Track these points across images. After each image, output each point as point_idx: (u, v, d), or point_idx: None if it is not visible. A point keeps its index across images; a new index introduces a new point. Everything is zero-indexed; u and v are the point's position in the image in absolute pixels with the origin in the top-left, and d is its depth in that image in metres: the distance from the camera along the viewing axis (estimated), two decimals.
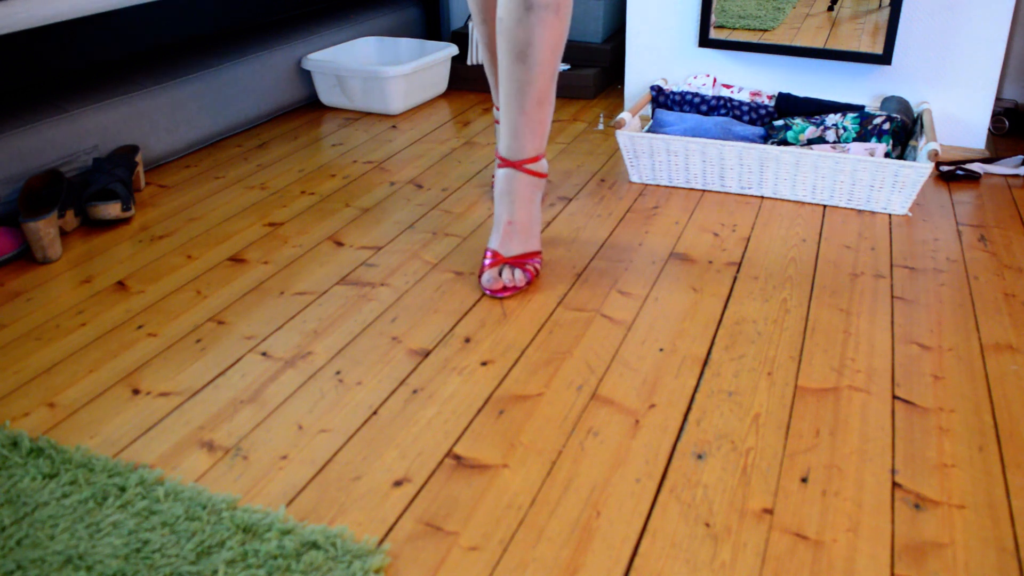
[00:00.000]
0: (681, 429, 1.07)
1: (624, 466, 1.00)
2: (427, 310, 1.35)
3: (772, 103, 1.94)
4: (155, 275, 1.47)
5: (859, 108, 1.87)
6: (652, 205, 1.72)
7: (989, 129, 2.00)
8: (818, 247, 1.53)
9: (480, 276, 1.41)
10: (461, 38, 2.61)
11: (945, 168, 1.83)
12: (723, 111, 1.91)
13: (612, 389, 1.14)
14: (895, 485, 0.97)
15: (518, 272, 1.39)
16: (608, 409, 1.10)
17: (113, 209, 1.63)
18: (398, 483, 0.98)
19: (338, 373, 1.19)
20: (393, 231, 1.62)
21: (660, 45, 2.15)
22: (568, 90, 2.44)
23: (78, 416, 1.11)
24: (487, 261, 1.41)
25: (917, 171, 1.60)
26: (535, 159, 1.40)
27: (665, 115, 1.88)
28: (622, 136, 1.77)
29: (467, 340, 1.26)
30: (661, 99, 1.97)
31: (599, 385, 1.15)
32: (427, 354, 1.23)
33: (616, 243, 1.55)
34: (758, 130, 1.84)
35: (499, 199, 1.42)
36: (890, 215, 1.66)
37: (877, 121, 1.75)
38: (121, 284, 1.45)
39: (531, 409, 1.11)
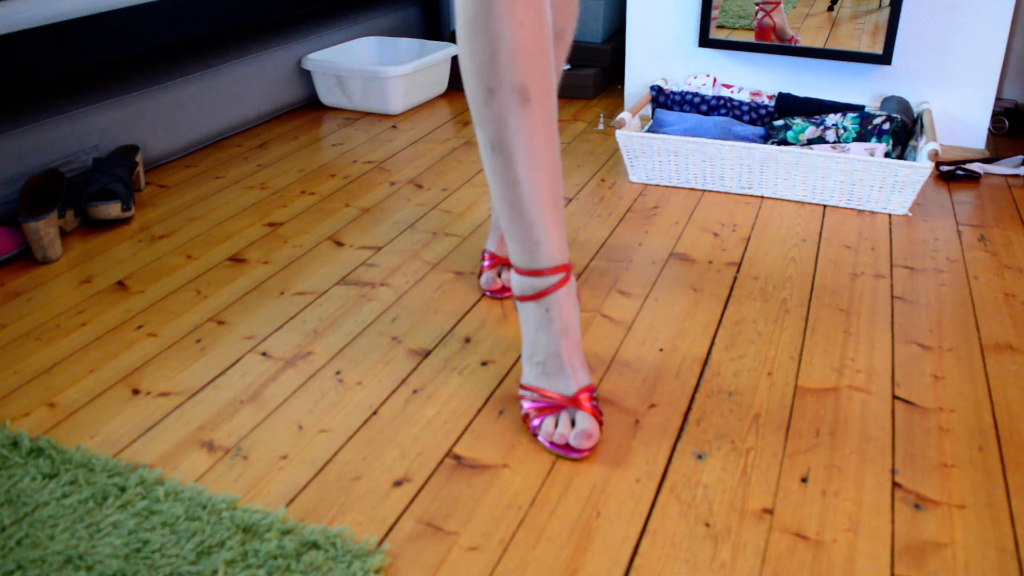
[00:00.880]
0: (681, 429, 1.06)
1: (624, 466, 1.00)
2: (427, 310, 1.35)
3: (772, 103, 1.94)
4: (155, 275, 1.47)
5: (859, 108, 1.87)
6: (652, 205, 1.72)
7: (989, 129, 2.00)
8: (818, 247, 1.53)
9: (479, 277, 1.41)
10: None
11: (945, 168, 1.83)
12: (723, 111, 1.91)
13: (612, 389, 1.14)
14: (895, 485, 0.97)
15: None
16: (608, 409, 1.10)
17: (113, 209, 1.63)
18: (398, 483, 0.98)
19: (338, 373, 1.19)
20: (393, 231, 1.62)
21: (660, 45, 2.15)
22: (568, 90, 2.44)
23: (78, 416, 1.11)
24: (485, 263, 1.40)
25: (917, 171, 1.60)
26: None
27: (665, 115, 1.88)
28: (622, 136, 1.77)
29: (467, 340, 1.26)
30: (661, 99, 1.96)
31: (599, 385, 1.15)
32: (427, 354, 1.23)
33: (616, 243, 1.55)
34: (758, 130, 1.84)
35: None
36: (890, 215, 1.66)
37: (877, 121, 1.75)
38: (121, 284, 1.45)
39: None
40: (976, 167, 1.83)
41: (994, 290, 1.38)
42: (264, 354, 1.24)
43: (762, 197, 1.74)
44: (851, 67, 2.00)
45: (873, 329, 1.28)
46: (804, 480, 0.98)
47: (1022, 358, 1.21)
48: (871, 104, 2.00)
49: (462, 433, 1.07)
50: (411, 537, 0.90)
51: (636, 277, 1.43)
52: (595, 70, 2.44)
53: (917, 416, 1.09)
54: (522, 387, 1.08)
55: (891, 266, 1.46)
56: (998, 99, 2.13)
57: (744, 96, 2.05)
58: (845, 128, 1.77)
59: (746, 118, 1.90)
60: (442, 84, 2.47)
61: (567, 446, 1.02)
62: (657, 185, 1.81)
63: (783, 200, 1.73)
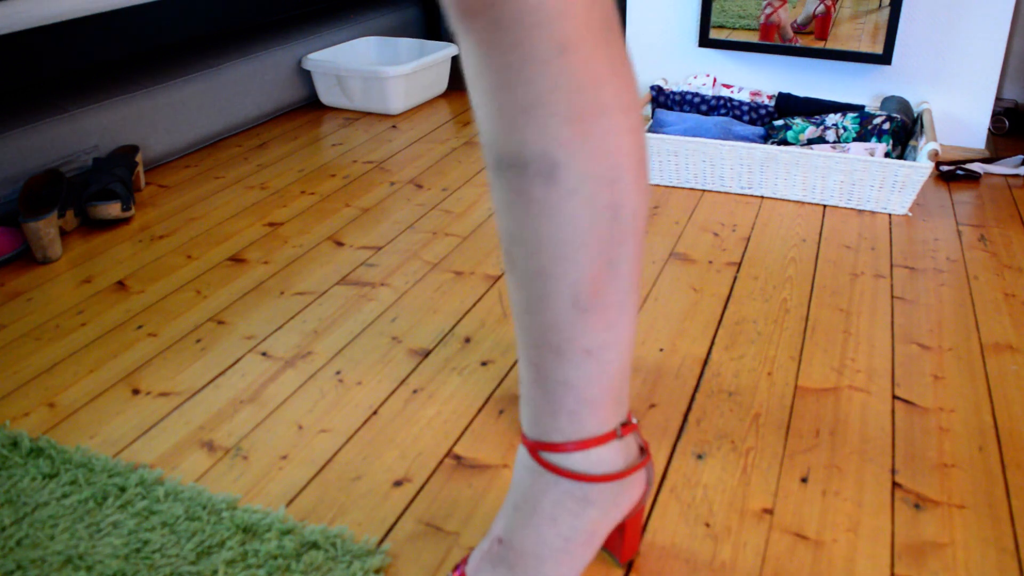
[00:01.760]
0: (681, 429, 1.06)
1: None
2: (427, 310, 1.35)
3: (772, 103, 1.94)
4: (155, 275, 1.47)
5: (859, 108, 1.87)
6: (652, 205, 1.71)
7: (989, 129, 2.00)
8: (818, 247, 1.53)
9: None
10: None
11: (945, 168, 1.83)
12: (723, 111, 1.91)
13: None
14: (895, 485, 0.97)
15: None
16: None
17: (113, 209, 1.63)
18: (398, 483, 0.98)
19: (338, 373, 1.19)
20: (393, 231, 1.62)
21: (660, 45, 2.15)
22: None
23: (78, 416, 1.11)
24: None
25: (917, 171, 1.60)
26: (561, 445, 0.74)
27: (665, 115, 1.88)
28: None
29: (467, 340, 1.26)
30: (661, 99, 1.96)
31: None
32: (427, 354, 1.23)
33: None
34: (758, 130, 1.84)
35: (508, 494, 0.79)
36: (890, 215, 1.66)
37: (877, 121, 1.75)
38: (121, 284, 1.45)
39: None
40: (976, 167, 1.83)
41: (994, 290, 1.38)
42: (264, 354, 1.24)
43: (762, 197, 1.74)
44: (851, 67, 2.00)
45: (873, 329, 1.28)
46: (804, 480, 0.98)
47: (1022, 358, 1.21)
48: (871, 104, 2.00)
49: (462, 433, 1.07)
50: (411, 537, 0.90)
51: None
52: None
53: (917, 416, 1.09)
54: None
55: (891, 266, 1.46)
56: (998, 99, 2.13)
57: (744, 96, 2.05)
58: (845, 128, 1.77)
59: (746, 118, 1.90)
60: (442, 84, 2.47)
61: None
62: (657, 185, 1.81)
63: (783, 200, 1.73)
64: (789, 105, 1.91)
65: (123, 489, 0.96)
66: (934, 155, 1.60)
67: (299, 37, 2.36)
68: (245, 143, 2.12)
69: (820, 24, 1.95)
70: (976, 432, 1.06)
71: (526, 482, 0.76)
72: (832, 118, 1.79)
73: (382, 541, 0.90)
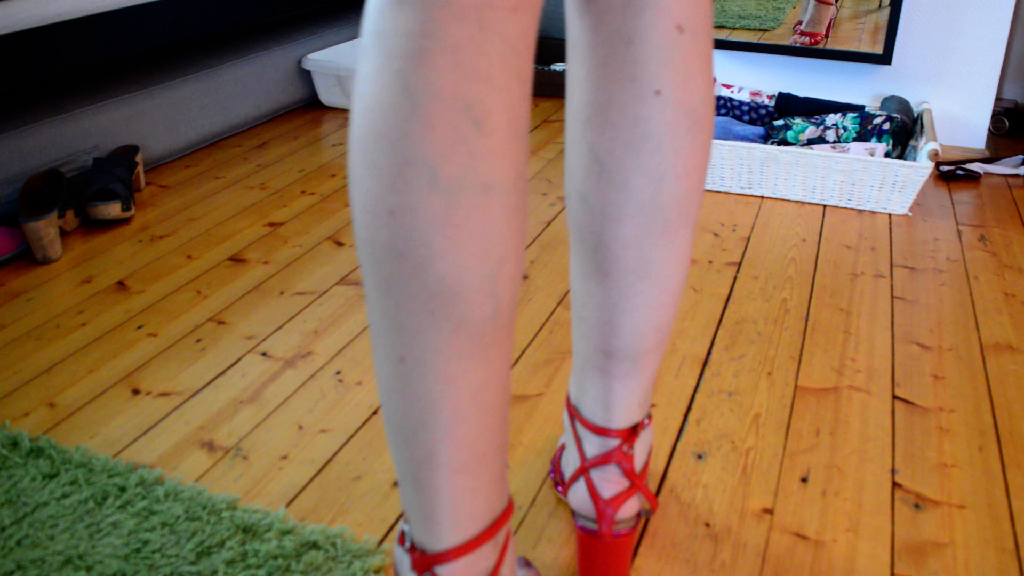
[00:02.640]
0: (681, 429, 1.06)
1: None
2: None
3: (772, 103, 1.94)
4: (155, 275, 1.47)
5: (859, 108, 1.87)
6: None
7: (989, 129, 2.00)
8: (818, 247, 1.53)
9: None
10: None
11: (945, 168, 1.83)
12: (723, 111, 1.91)
13: None
14: (895, 485, 0.97)
15: None
16: None
17: (113, 209, 1.63)
18: (398, 483, 0.98)
19: (338, 373, 1.19)
20: None
21: None
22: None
23: (78, 416, 1.11)
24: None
25: (917, 171, 1.60)
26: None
27: None
28: None
29: None
30: None
31: None
32: None
33: None
34: (758, 130, 1.84)
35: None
36: (890, 215, 1.66)
37: (877, 121, 1.75)
38: (121, 284, 1.45)
39: (531, 409, 1.11)
40: (976, 167, 1.83)
41: (994, 290, 1.38)
42: (264, 354, 1.24)
43: (762, 197, 1.74)
44: (851, 67, 2.00)
45: (873, 329, 1.28)
46: (804, 480, 0.98)
47: (1022, 358, 1.21)
48: (871, 104, 2.00)
49: None
50: None
51: None
52: None
53: (917, 416, 1.09)
54: None
55: (891, 266, 1.46)
56: (998, 99, 2.13)
57: (744, 96, 2.05)
58: (845, 128, 1.77)
59: (746, 118, 1.90)
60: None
61: None
62: None
63: (783, 200, 1.73)
64: (789, 105, 1.91)
65: (123, 489, 0.96)
66: (934, 155, 1.60)
67: (299, 37, 2.36)
68: (245, 143, 2.12)
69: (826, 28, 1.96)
70: (976, 432, 1.06)
71: None
72: (832, 118, 1.79)
73: (382, 541, 0.90)
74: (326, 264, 1.50)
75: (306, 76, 2.37)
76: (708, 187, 1.77)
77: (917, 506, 0.94)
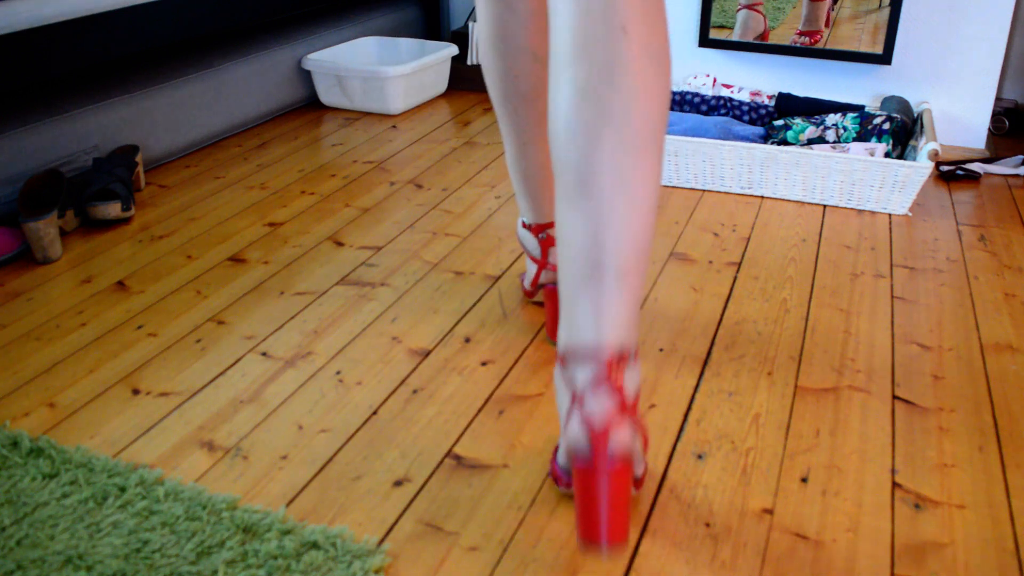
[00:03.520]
0: (681, 429, 1.06)
1: None
2: (427, 310, 1.35)
3: (772, 103, 1.94)
4: (155, 275, 1.47)
5: (859, 108, 1.87)
6: None
7: (989, 129, 2.00)
8: (818, 247, 1.53)
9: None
10: (461, 38, 2.61)
11: (945, 168, 1.83)
12: (723, 111, 1.91)
13: None
14: (895, 485, 0.97)
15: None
16: None
17: (113, 209, 1.63)
18: (398, 483, 0.98)
19: (338, 373, 1.19)
20: (393, 231, 1.62)
21: None
22: None
23: (78, 416, 1.11)
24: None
25: (917, 171, 1.60)
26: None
27: None
28: None
29: (467, 340, 1.26)
30: None
31: None
32: (427, 354, 1.23)
33: None
34: (758, 130, 1.84)
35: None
36: (890, 215, 1.66)
37: (877, 121, 1.75)
38: (121, 284, 1.45)
39: (531, 409, 1.11)
40: (976, 167, 1.83)
41: (994, 290, 1.38)
42: (264, 354, 1.24)
43: (762, 197, 1.74)
44: (851, 67, 2.00)
45: (873, 329, 1.28)
46: (804, 480, 0.98)
47: (1022, 358, 1.21)
48: (871, 104, 2.00)
49: (462, 433, 1.07)
50: (411, 537, 0.90)
51: None
52: None
53: (917, 416, 1.09)
54: None
55: (891, 266, 1.46)
56: (998, 99, 2.13)
57: (744, 96, 2.04)
58: (845, 128, 1.77)
59: (746, 118, 1.90)
60: (442, 84, 2.47)
61: None
62: None
63: (783, 200, 1.73)
64: (789, 105, 1.91)
65: (123, 489, 0.96)
66: (934, 155, 1.60)
67: (299, 37, 2.36)
68: (245, 143, 2.12)
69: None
70: (976, 432, 1.06)
71: None
72: (832, 118, 1.79)
73: (382, 541, 0.90)
74: (326, 264, 1.50)
75: (306, 76, 2.37)
76: (708, 187, 1.77)
77: (917, 506, 0.94)
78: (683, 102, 1.94)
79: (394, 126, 2.23)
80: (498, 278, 1.44)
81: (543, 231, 1.24)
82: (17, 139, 1.65)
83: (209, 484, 0.99)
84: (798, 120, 1.82)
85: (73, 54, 1.75)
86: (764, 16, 1.99)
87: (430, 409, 1.11)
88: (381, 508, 0.95)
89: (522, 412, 1.10)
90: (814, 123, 1.80)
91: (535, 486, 0.97)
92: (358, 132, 2.18)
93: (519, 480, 0.98)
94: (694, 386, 1.15)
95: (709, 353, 1.22)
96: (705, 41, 2.06)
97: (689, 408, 1.10)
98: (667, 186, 1.80)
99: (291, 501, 0.96)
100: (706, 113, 1.93)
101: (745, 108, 1.90)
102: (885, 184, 1.64)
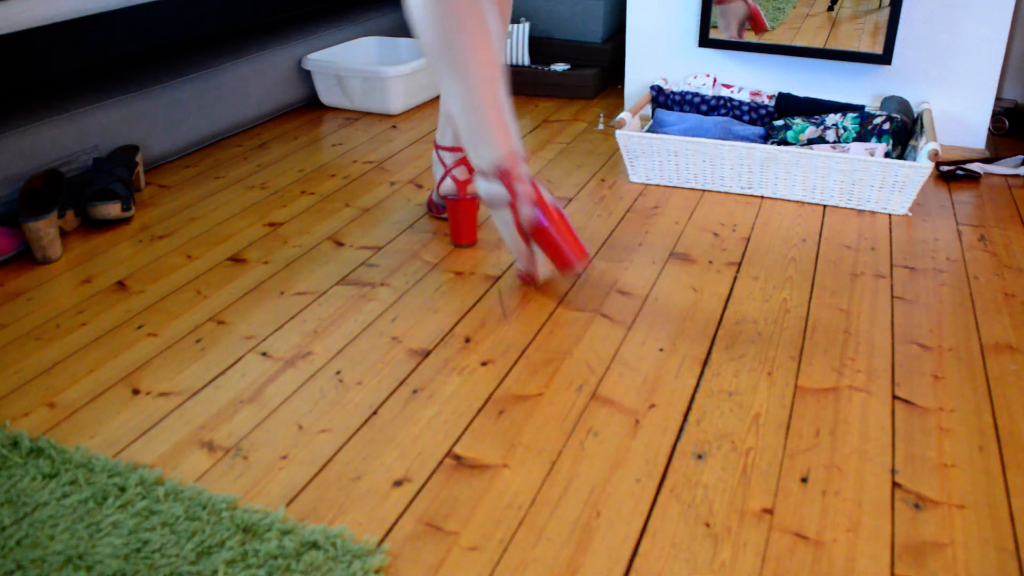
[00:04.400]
0: (681, 429, 1.07)
1: (624, 466, 1.00)
2: (427, 310, 1.35)
3: (772, 103, 1.94)
4: (155, 275, 1.47)
5: (859, 108, 1.87)
6: (652, 205, 1.72)
7: (989, 129, 2.00)
8: (818, 247, 1.53)
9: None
10: None
11: (945, 168, 1.83)
12: (723, 111, 1.91)
13: (612, 389, 1.14)
14: (895, 485, 0.97)
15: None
16: (608, 409, 1.10)
17: (113, 209, 1.63)
18: (398, 483, 0.98)
19: (338, 373, 1.19)
20: (393, 231, 1.62)
21: (660, 45, 2.15)
22: (568, 90, 2.44)
23: (78, 416, 1.11)
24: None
25: (917, 171, 1.60)
26: None
27: (665, 115, 1.88)
28: (622, 136, 1.77)
29: (467, 340, 1.26)
30: (661, 99, 1.97)
31: (599, 385, 1.15)
32: (427, 354, 1.23)
33: (616, 243, 1.55)
34: (758, 130, 1.84)
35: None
36: (890, 215, 1.66)
37: (877, 121, 1.75)
38: (121, 284, 1.45)
39: (531, 409, 1.11)
40: (976, 167, 1.83)
41: (994, 290, 1.38)
42: (264, 354, 1.24)
43: (762, 197, 1.74)
44: (851, 67, 2.00)
45: (873, 329, 1.28)
46: (804, 480, 0.98)
47: (1022, 358, 1.21)
48: (871, 104, 2.00)
49: (462, 433, 1.07)
50: (411, 537, 0.91)
51: (636, 277, 1.43)
52: (595, 70, 2.44)
53: (917, 416, 1.09)
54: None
55: (891, 266, 1.46)
56: (998, 99, 2.13)
57: (744, 96, 2.04)
58: (845, 128, 1.77)
59: (746, 118, 1.90)
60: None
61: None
62: (657, 185, 1.81)
63: (783, 200, 1.73)
64: (789, 105, 1.91)
65: (123, 489, 0.96)
66: (934, 155, 1.60)
67: (299, 37, 2.36)
68: (245, 143, 2.12)
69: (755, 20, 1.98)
70: (976, 432, 1.06)
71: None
72: (832, 118, 1.79)
73: (382, 541, 0.90)
74: (326, 264, 1.50)
75: (306, 76, 2.37)
76: (708, 187, 1.77)
77: (917, 506, 0.94)
78: (683, 102, 1.94)
79: (394, 126, 2.23)
80: (498, 278, 1.44)
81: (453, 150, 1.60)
82: (17, 139, 1.65)
83: (209, 484, 0.99)
84: (798, 120, 1.82)
85: (73, 54, 1.75)
86: None
87: (430, 409, 1.11)
88: (381, 508, 0.95)
89: (522, 412, 1.10)
90: (814, 123, 1.80)
91: (535, 486, 0.97)
92: (358, 132, 2.18)
93: (519, 480, 0.98)
94: (694, 386, 1.15)
95: (709, 353, 1.22)
96: (705, 41, 2.06)
97: (689, 408, 1.10)
98: (667, 186, 1.80)
99: (291, 501, 0.96)
100: (706, 113, 1.93)
101: (745, 108, 1.90)
102: (885, 184, 1.64)
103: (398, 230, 1.63)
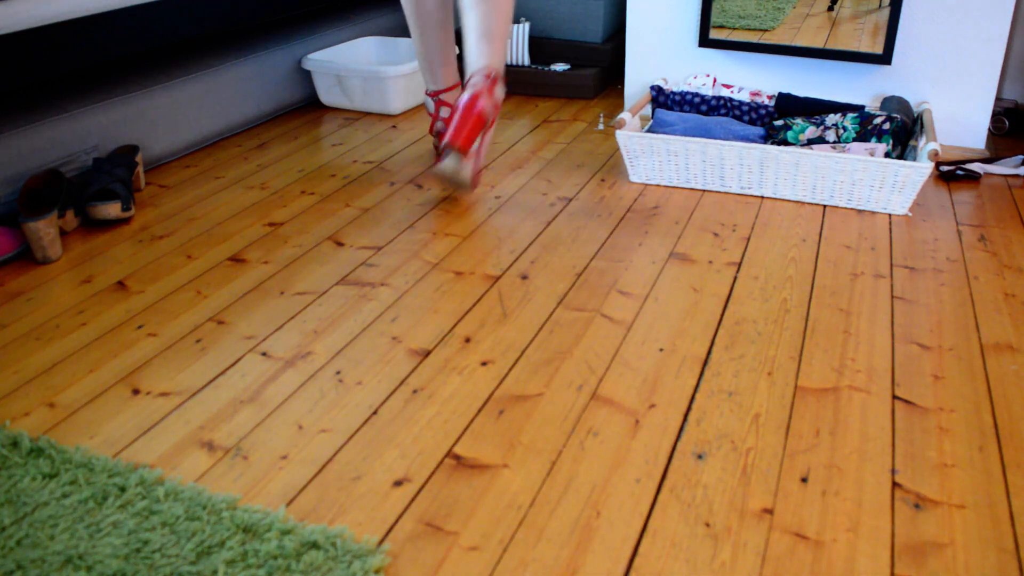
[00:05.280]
0: (681, 429, 1.07)
1: (624, 466, 1.00)
2: (427, 310, 1.35)
3: (772, 103, 1.94)
4: (155, 275, 1.47)
5: (859, 108, 1.87)
6: (652, 205, 1.72)
7: (989, 129, 2.00)
8: (818, 247, 1.53)
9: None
10: (461, 37, 2.61)
11: (945, 168, 1.83)
12: (723, 111, 1.91)
13: (612, 389, 1.14)
14: (895, 485, 0.97)
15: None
16: (608, 409, 1.10)
17: (113, 209, 1.63)
18: (398, 483, 0.98)
19: (338, 373, 1.19)
20: (393, 231, 1.62)
21: (660, 45, 2.15)
22: (568, 90, 2.44)
23: (78, 416, 1.11)
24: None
25: (917, 171, 1.60)
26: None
27: (665, 115, 1.88)
28: (622, 136, 1.77)
29: (467, 340, 1.26)
30: (661, 99, 1.96)
31: (599, 385, 1.15)
32: (427, 354, 1.23)
33: (616, 243, 1.56)
34: (758, 130, 1.84)
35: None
36: (890, 215, 1.66)
37: (877, 121, 1.75)
38: (121, 284, 1.45)
39: (531, 409, 1.11)
40: (976, 167, 1.83)
41: (994, 290, 1.38)
42: (264, 354, 1.24)
43: (762, 197, 1.74)
44: (851, 67, 2.00)
45: (873, 329, 1.28)
46: (804, 480, 0.98)
47: (1022, 358, 1.21)
48: (871, 104, 2.00)
49: (462, 433, 1.07)
50: (411, 537, 0.91)
51: (636, 277, 1.43)
52: (595, 70, 2.44)
53: (917, 416, 1.09)
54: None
55: (891, 266, 1.46)
56: (998, 99, 2.13)
57: (744, 96, 2.04)
58: (845, 128, 1.77)
59: (746, 118, 1.90)
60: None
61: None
62: (657, 185, 1.81)
63: (783, 200, 1.73)
64: (789, 105, 1.91)
65: (123, 489, 0.96)
66: (934, 155, 1.60)
67: (299, 37, 2.36)
68: (245, 143, 2.12)
69: None
70: (976, 432, 1.06)
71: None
72: (832, 118, 1.79)
73: (382, 541, 0.90)
74: (326, 264, 1.50)
75: (306, 76, 2.37)
76: (708, 187, 1.77)
77: (917, 506, 0.94)
78: (683, 102, 1.94)
79: (394, 126, 2.23)
80: (498, 278, 1.44)
81: (437, 95, 1.86)
82: (17, 139, 1.65)
83: (209, 484, 0.99)
84: (798, 120, 1.82)
85: (73, 54, 1.75)
86: None
87: (430, 409, 1.11)
88: (381, 508, 0.95)
89: (522, 412, 1.10)
90: (814, 123, 1.80)
91: (535, 486, 0.97)
92: (358, 132, 2.18)
93: (519, 480, 0.98)
94: (694, 386, 1.15)
95: (709, 353, 1.22)
96: (705, 41, 2.06)
97: (689, 408, 1.10)
98: (667, 186, 1.80)
99: (291, 501, 0.96)
100: (706, 113, 1.93)
101: (745, 108, 1.90)
102: (885, 184, 1.64)
103: (398, 230, 1.63)
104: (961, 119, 1.94)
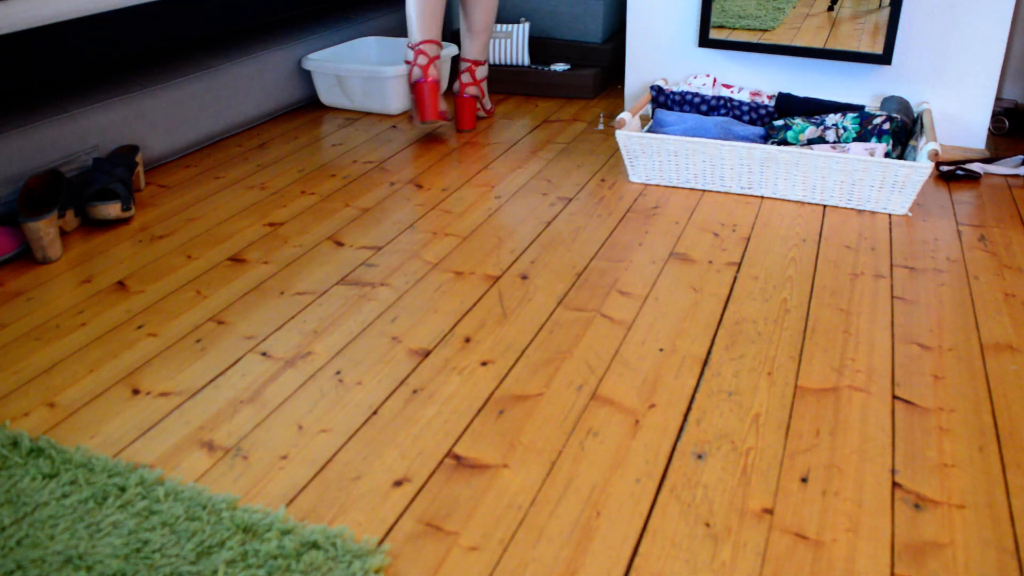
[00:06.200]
0: (681, 429, 1.07)
1: (624, 466, 1.00)
2: (427, 310, 1.35)
3: (772, 103, 1.94)
4: (155, 275, 1.47)
5: (859, 108, 1.87)
6: (652, 205, 1.72)
7: (989, 129, 2.00)
8: (818, 247, 1.53)
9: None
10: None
11: (945, 168, 1.83)
12: (723, 111, 1.91)
13: (612, 389, 1.14)
14: (895, 485, 0.97)
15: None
16: (608, 409, 1.10)
17: (113, 209, 1.63)
18: (398, 483, 0.98)
19: (338, 373, 1.19)
20: (393, 231, 1.62)
21: (660, 45, 2.15)
22: (568, 90, 2.44)
23: (78, 416, 1.11)
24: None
25: (917, 171, 1.60)
26: None
27: (665, 115, 1.88)
28: (622, 136, 1.77)
29: (467, 340, 1.26)
30: (661, 99, 1.96)
31: (599, 385, 1.15)
32: (427, 354, 1.23)
33: (616, 243, 1.56)
34: (758, 130, 1.84)
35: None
36: (890, 215, 1.66)
37: (877, 121, 1.75)
38: (121, 284, 1.45)
39: (531, 409, 1.11)
40: (976, 167, 1.83)
41: (994, 290, 1.38)
42: (264, 354, 1.24)
43: (762, 197, 1.74)
44: (851, 67, 2.00)
45: (873, 329, 1.28)
46: (804, 480, 0.98)
47: (1022, 358, 1.21)
48: (871, 104, 2.00)
49: (462, 433, 1.07)
50: (411, 537, 0.91)
51: (636, 277, 1.43)
52: (595, 70, 2.44)
53: (917, 416, 1.09)
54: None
55: (891, 266, 1.46)
56: (998, 99, 2.13)
57: (744, 96, 2.04)
58: (845, 128, 1.77)
59: (746, 118, 1.90)
60: (442, 84, 2.47)
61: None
62: (657, 185, 1.81)
63: (783, 200, 1.73)
64: (789, 105, 1.91)
65: (123, 489, 0.96)
66: (934, 155, 1.60)
67: (299, 37, 2.36)
68: (245, 143, 2.12)
69: None
70: (976, 432, 1.06)
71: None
72: (832, 118, 1.79)
73: (382, 541, 0.90)
74: (326, 264, 1.50)
75: (306, 76, 2.37)
76: (708, 187, 1.77)
77: (917, 506, 0.94)
78: (683, 102, 1.94)
79: (394, 126, 2.23)
80: (498, 278, 1.44)
81: (416, 46, 2.02)
82: (17, 139, 1.65)
83: (209, 484, 0.99)
84: (798, 120, 1.82)
85: (73, 54, 1.75)
86: None
87: (430, 409, 1.11)
88: (381, 508, 0.95)
89: (522, 412, 1.10)
90: (814, 123, 1.80)
91: (535, 486, 0.97)
92: (358, 132, 2.18)
93: (519, 480, 0.98)
94: (694, 386, 1.15)
95: (709, 353, 1.22)
96: (705, 41, 2.06)
97: (689, 408, 1.10)
98: (667, 186, 1.80)
99: (291, 501, 0.96)
100: (706, 113, 1.93)
101: (745, 108, 1.90)
102: (885, 184, 1.64)
103: (398, 230, 1.63)
104: (961, 119, 1.94)
